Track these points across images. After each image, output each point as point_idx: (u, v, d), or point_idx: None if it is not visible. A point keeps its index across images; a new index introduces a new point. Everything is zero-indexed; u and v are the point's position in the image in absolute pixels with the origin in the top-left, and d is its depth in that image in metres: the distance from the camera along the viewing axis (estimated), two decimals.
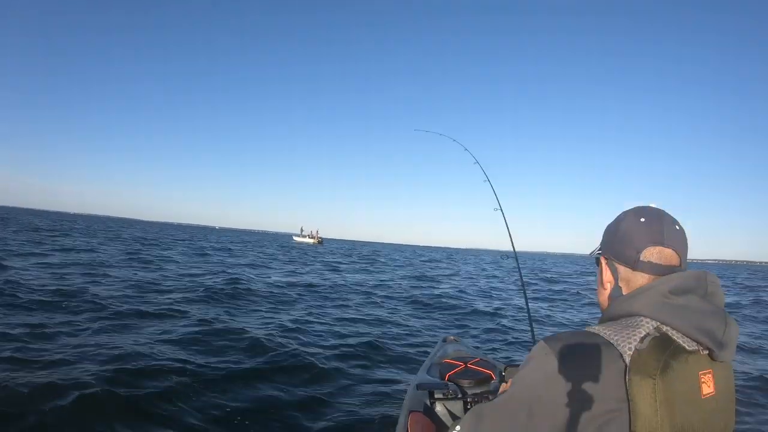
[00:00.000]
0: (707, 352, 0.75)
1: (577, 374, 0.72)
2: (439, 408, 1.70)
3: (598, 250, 0.93)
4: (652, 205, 0.88)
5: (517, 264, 2.78)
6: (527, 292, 2.77)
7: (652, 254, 0.82)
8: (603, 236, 0.92)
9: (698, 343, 0.74)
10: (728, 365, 0.79)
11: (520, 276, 2.64)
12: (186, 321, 5.22)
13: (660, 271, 0.81)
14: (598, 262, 0.93)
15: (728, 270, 48.70)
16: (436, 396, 1.67)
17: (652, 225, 0.83)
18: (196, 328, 4.84)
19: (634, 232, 0.84)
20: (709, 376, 0.74)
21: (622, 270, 0.85)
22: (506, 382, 1.20)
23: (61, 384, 2.92)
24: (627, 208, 0.91)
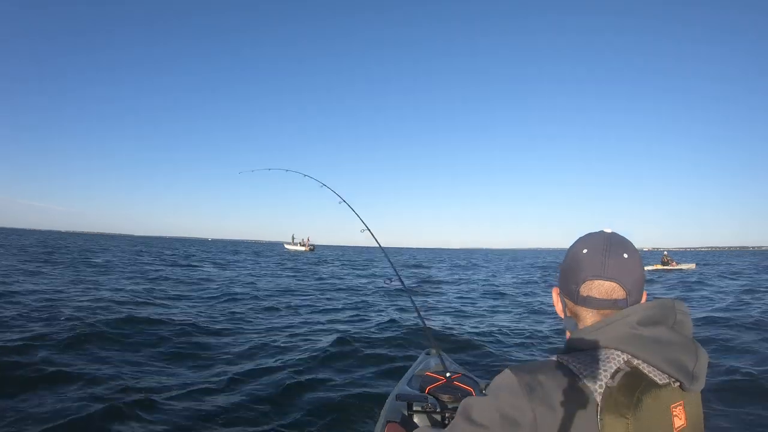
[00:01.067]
0: (678, 384, 0.74)
1: (545, 410, 0.69)
2: (416, 419, 1.72)
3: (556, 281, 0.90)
4: (606, 230, 0.84)
5: (401, 282, 2.66)
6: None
7: (591, 288, 0.79)
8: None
9: (669, 376, 0.73)
10: (697, 395, 0.78)
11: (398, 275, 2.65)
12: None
13: (600, 305, 0.79)
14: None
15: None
16: (414, 408, 1.69)
17: (593, 256, 0.80)
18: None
19: (576, 265, 0.81)
20: (680, 408, 0.73)
21: (569, 304, 0.83)
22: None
23: None
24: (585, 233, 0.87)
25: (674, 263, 23.55)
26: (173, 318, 6.22)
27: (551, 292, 0.91)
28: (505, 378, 0.75)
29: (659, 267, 22.55)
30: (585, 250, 0.81)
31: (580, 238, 0.86)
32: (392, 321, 6.68)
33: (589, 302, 0.79)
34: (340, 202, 3.01)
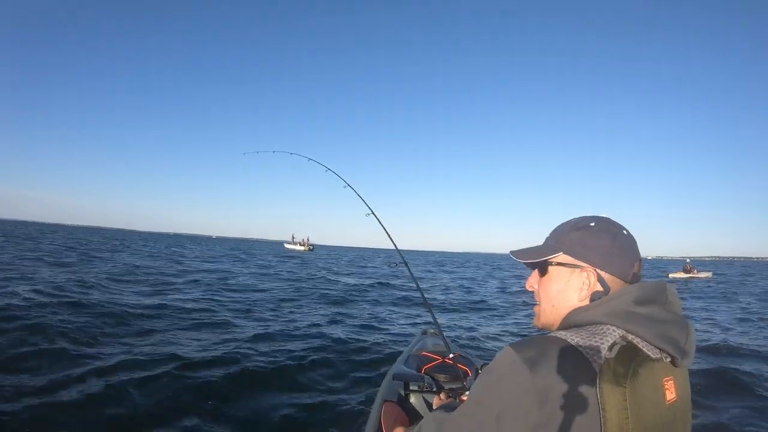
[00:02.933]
0: (669, 359, 0.78)
1: (548, 383, 0.71)
2: (413, 399, 1.75)
3: (579, 259, 0.87)
4: (608, 217, 0.91)
5: (404, 262, 2.57)
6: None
7: (637, 267, 0.86)
8: (584, 245, 0.87)
9: (662, 351, 0.77)
10: (686, 371, 0.82)
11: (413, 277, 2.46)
12: None
13: (637, 281, 0.86)
14: (541, 267, 0.92)
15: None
16: (411, 387, 1.71)
17: (629, 238, 0.87)
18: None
19: (627, 247, 0.86)
20: (672, 382, 0.78)
21: (614, 283, 0.84)
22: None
23: None
24: (586, 215, 0.91)
25: (695, 271, 23.30)
26: None
27: (579, 276, 0.86)
28: (506, 355, 0.77)
29: (682, 275, 22.38)
30: (624, 232, 0.88)
31: (606, 221, 0.89)
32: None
33: (636, 279, 0.86)
34: (344, 187, 2.94)
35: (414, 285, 2.27)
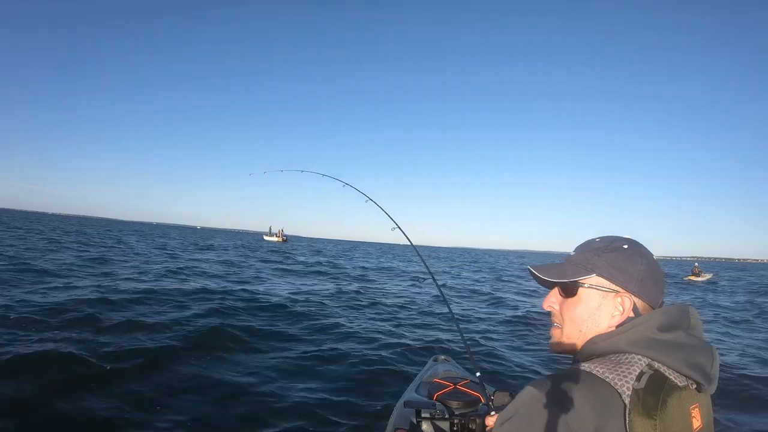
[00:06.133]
0: (695, 386, 0.77)
1: (578, 421, 0.69)
2: (425, 427, 1.73)
3: (615, 284, 0.83)
4: (627, 237, 0.89)
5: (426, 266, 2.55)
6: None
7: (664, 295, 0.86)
8: (620, 270, 0.83)
9: (688, 378, 0.76)
10: (709, 397, 0.81)
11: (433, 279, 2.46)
12: None
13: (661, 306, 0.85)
14: (568, 288, 0.87)
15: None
16: (423, 415, 1.69)
17: (658, 265, 0.86)
18: None
19: (659, 274, 0.85)
20: (697, 410, 0.77)
21: (644, 309, 0.83)
22: (492, 414, 1.21)
23: None
24: (613, 236, 0.88)
25: (704, 274, 23.13)
26: None
27: (612, 300, 0.83)
28: (530, 394, 0.75)
29: (693, 278, 22.33)
30: (654, 257, 0.86)
31: (635, 243, 0.87)
32: None
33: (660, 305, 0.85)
34: (366, 201, 2.89)
35: (439, 293, 2.16)
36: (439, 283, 2.31)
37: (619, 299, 0.82)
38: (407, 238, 2.54)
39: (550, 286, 0.90)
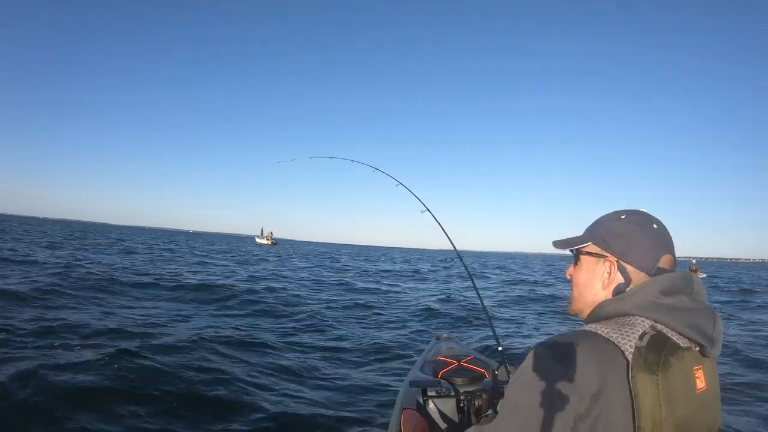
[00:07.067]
0: (698, 348, 0.81)
1: (583, 375, 0.74)
2: (431, 405, 1.77)
3: (604, 249, 0.92)
4: (644, 210, 0.94)
5: (461, 261, 2.58)
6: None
7: (665, 262, 0.88)
8: (610, 236, 0.91)
9: (690, 339, 0.80)
10: (714, 361, 0.85)
11: (468, 271, 2.49)
12: None
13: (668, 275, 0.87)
14: (576, 257, 0.98)
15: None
16: (428, 393, 1.72)
17: (663, 234, 0.90)
18: None
19: (653, 240, 0.88)
20: (701, 371, 0.81)
21: (636, 275, 0.88)
22: (498, 387, 1.24)
23: None
24: (623, 209, 0.94)
25: (700, 273, 22.59)
26: None
27: (603, 265, 0.91)
28: (538, 354, 0.79)
29: (690, 276, 22.10)
30: (655, 226, 0.90)
31: (638, 214, 0.92)
32: None
33: (660, 273, 0.87)
34: (396, 185, 2.87)
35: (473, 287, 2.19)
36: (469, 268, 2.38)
37: (607, 264, 0.90)
38: (438, 222, 2.57)
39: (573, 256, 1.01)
